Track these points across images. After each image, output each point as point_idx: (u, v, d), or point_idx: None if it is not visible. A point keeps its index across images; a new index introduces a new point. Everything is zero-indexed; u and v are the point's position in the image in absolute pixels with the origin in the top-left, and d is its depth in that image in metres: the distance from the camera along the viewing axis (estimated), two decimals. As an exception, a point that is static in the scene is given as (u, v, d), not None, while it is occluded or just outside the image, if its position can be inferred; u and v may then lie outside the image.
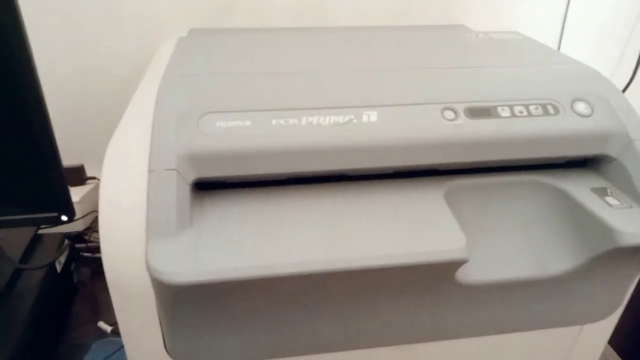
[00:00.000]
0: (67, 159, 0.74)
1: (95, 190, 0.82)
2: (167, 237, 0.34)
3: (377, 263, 0.34)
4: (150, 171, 0.36)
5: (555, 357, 0.49)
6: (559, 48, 0.86)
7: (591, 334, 0.48)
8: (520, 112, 0.40)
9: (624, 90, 0.86)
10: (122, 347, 0.59)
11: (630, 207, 0.39)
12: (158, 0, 0.74)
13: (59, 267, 0.65)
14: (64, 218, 0.56)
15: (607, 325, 0.48)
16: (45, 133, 0.52)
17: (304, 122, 0.39)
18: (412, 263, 0.34)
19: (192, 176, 0.37)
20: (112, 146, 0.40)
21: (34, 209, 0.55)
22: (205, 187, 0.39)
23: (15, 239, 0.64)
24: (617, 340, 0.63)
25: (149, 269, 0.33)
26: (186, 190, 0.36)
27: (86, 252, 0.74)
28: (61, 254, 0.64)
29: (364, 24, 0.80)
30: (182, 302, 0.35)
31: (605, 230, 0.37)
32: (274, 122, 0.38)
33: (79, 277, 0.71)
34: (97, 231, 0.77)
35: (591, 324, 0.46)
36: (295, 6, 0.78)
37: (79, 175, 0.77)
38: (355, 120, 0.39)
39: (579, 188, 0.41)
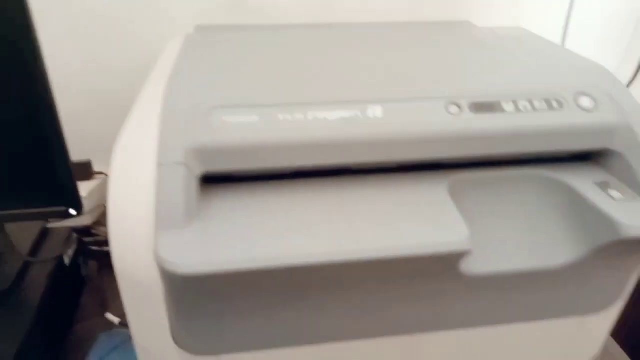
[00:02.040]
0: (75, 155, 0.75)
1: (103, 185, 0.83)
2: (175, 229, 0.35)
3: (381, 255, 0.34)
4: (159, 165, 0.36)
5: (557, 348, 0.50)
6: (563, 44, 0.86)
7: (592, 325, 0.48)
8: (525, 107, 0.41)
9: (628, 85, 0.86)
10: (130, 338, 0.60)
11: (633, 200, 0.39)
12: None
13: (67, 261, 0.66)
14: (73, 212, 0.57)
15: (609, 317, 0.48)
16: (54, 129, 0.52)
17: (310, 117, 0.39)
18: (415, 254, 0.34)
19: (200, 170, 0.37)
20: (121, 141, 0.41)
21: (43, 204, 0.56)
22: (212, 181, 0.40)
23: (24, 233, 0.65)
24: (619, 333, 0.63)
25: (157, 259, 0.33)
26: (194, 183, 0.37)
27: (94, 245, 0.75)
28: (69, 247, 0.65)
29: (370, 20, 0.81)
30: (189, 293, 0.36)
31: (608, 222, 0.37)
32: (280, 117, 0.39)
33: (86, 270, 0.72)
34: (104, 225, 0.78)
35: (592, 315, 0.46)
36: (302, 3, 0.78)
37: (86, 171, 0.77)
38: (360, 115, 0.39)
39: (583, 182, 0.41)
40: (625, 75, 0.86)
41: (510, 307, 0.42)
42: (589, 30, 0.87)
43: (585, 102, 0.42)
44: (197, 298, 0.36)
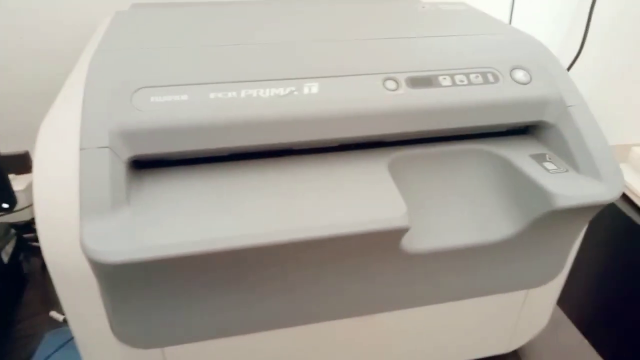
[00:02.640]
0: (11, 146, 0.71)
1: (44, 178, 0.79)
2: (101, 216, 0.33)
3: (318, 234, 0.33)
4: (81, 149, 0.34)
5: (504, 322, 0.51)
6: (510, 22, 0.87)
7: (538, 298, 0.49)
8: (461, 81, 0.41)
9: (572, 63, 0.88)
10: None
11: (567, 171, 0.40)
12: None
13: (5, 258, 0.62)
14: (5, 205, 0.54)
15: (553, 289, 0.50)
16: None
17: (243, 94, 0.38)
18: (353, 232, 0.34)
19: (127, 154, 0.35)
20: (45, 125, 0.39)
21: (-29, 197, 0.53)
22: (145, 165, 0.38)
23: (-43, 230, 0.61)
24: (566, 304, 0.65)
25: (82, 248, 0.32)
26: (121, 168, 0.35)
27: (35, 241, 0.71)
28: (7, 243, 0.62)
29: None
30: (121, 283, 0.34)
31: (542, 193, 0.38)
32: (211, 95, 0.37)
33: (29, 267, 0.69)
34: (46, 220, 0.74)
35: (537, 288, 0.47)
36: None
37: (23, 163, 0.73)
38: (296, 92, 0.38)
39: (519, 155, 0.41)
40: (570, 54, 0.88)
41: (456, 283, 0.43)
42: (535, 9, 0.88)
43: (520, 75, 0.42)
44: (131, 288, 0.35)
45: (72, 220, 0.35)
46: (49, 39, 0.74)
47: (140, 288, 0.35)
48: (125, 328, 0.38)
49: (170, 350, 0.42)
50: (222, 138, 0.37)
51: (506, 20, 0.87)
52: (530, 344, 0.59)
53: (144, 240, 0.32)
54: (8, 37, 0.71)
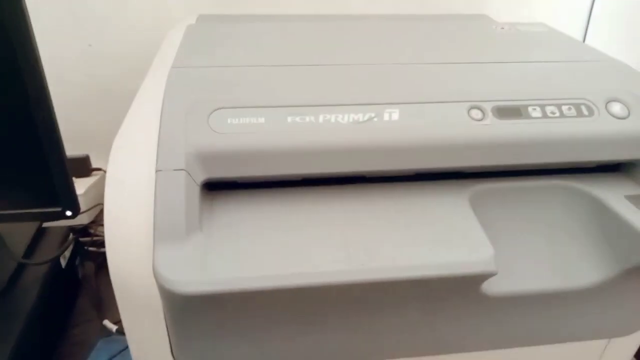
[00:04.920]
0: (72, 149, 0.72)
1: (101, 182, 0.80)
2: (175, 241, 0.32)
3: (398, 276, 0.31)
4: (157, 171, 0.34)
5: (578, 369, 0.47)
6: (584, 39, 0.83)
7: (618, 348, 0.45)
8: (552, 113, 0.38)
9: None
10: (128, 347, 0.58)
11: (669, 216, 0.36)
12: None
13: (63, 262, 0.63)
14: (69, 213, 0.54)
15: (635, 340, 0.46)
16: (48, 126, 0.50)
17: (321, 119, 0.36)
18: (436, 276, 0.31)
19: (202, 176, 0.34)
20: (119, 141, 0.38)
21: (37, 204, 0.53)
22: (215, 187, 0.37)
23: (19, 233, 0.62)
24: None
25: (156, 275, 0.31)
26: (196, 191, 0.34)
27: (91, 246, 0.72)
28: (65, 249, 0.63)
29: (382, 11, 0.77)
30: (189, 311, 0.33)
31: (642, 241, 0.34)
32: (289, 119, 0.36)
33: (83, 271, 0.70)
34: (102, 225, 0.75)
35: (618, 338, 0.44)
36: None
37: (84, 166, 0.75)
38: (375, 119, 0.36)
39: (613, 195, 0.38)
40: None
41: (534, 328, 0.39)
42: (611, 26, 0.83)
43: (617, 108, 0.39)
44: (198, 316, 0.33)
45: (142, 241, 0.35)
46: (111, 45, 0.75)
47: (205, 317, 0.34)
48: (186, 353, 0.37)
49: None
50: (298, 164, 0.36)
51: (580, 38, 0.83)
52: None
53: (217, 272, 0.31)
54: (77, 44, 0.73)
